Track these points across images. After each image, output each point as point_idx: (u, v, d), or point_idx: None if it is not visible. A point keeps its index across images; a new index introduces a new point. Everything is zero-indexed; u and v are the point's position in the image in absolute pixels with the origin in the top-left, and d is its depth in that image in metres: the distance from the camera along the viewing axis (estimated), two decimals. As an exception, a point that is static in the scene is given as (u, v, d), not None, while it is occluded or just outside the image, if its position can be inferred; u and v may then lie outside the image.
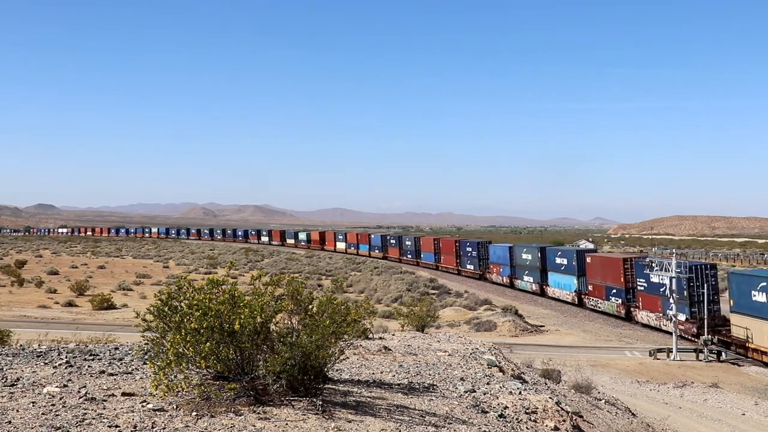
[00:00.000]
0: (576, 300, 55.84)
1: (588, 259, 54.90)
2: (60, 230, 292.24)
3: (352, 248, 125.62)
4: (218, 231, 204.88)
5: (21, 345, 16.59)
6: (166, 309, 9.45)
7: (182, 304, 9.51)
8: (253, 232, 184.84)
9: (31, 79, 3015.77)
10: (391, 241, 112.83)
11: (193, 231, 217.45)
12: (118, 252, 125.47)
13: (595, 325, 48.50)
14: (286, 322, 10.68)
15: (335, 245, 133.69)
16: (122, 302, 53.13)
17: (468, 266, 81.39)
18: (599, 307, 51.62)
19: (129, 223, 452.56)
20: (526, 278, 66.20)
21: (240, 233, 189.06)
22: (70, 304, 52.92)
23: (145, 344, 9.76)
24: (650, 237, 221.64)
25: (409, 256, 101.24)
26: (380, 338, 19.00)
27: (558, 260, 59.68)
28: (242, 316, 9.24)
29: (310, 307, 10.88)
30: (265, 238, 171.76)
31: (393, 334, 21.59)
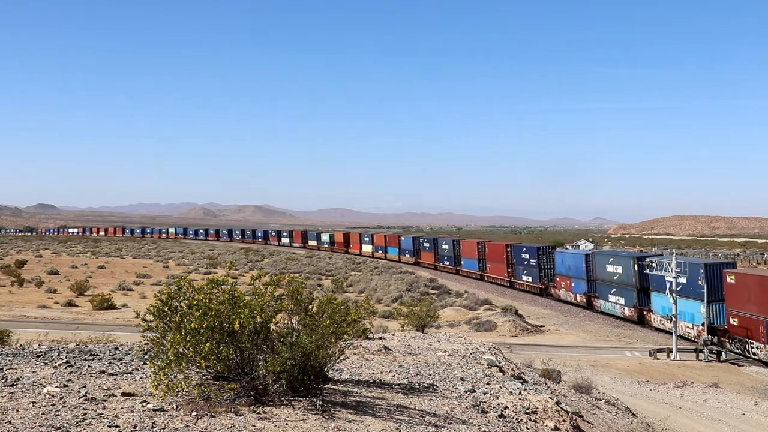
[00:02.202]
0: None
1: (729, 278, 36.80)
2: (70, 230, 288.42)
3: (380, 251, 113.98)
4: (237, 231, 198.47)
5: (21, 345, 16.61)
6: (166, 309, 9.46)
7: (182, 304, 9.51)
8: (273, 233, 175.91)
9: (31, 79, 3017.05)
10: (425, 244, 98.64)
11: (212, 232, 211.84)
12: (118, 252, 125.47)
13: (595, 325, 48.50)
14: (286, 322, 10.68)
15: (361, 248, 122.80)
16: (122, 302, 53.14)
17: (524, 278, 66.99)
18: (755, 353, 34.53)
19: (130, 223, 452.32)
20: (612, 298, 50.30)
21: (260, 234, 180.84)
22: (70, 304, 52.92)
23: (145, 344, 9.76)
24: (650, 237, 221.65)
25: (447, 262, 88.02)
26: (380, 338, 19.02)
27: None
28: (242, 316, 9.25)
29: (310, 307, 10.88)
30: (285, 240, 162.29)
31: (393, 334, 21.60)
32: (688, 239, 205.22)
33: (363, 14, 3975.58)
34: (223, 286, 9.84)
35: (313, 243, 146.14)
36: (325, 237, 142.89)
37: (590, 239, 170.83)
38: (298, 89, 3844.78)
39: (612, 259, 51.44)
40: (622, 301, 49.19)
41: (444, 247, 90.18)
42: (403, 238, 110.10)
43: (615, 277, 50.00)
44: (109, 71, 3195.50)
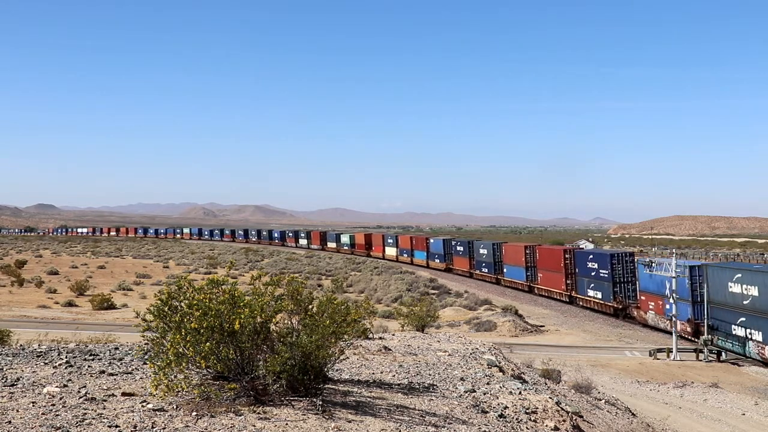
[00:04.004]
0: None
1: None
2: (79, 230, 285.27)
3: (405, 255, 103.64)
4: (253, 232, 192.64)
5: (21, 345, 16.61)
6: (166, 309, 9.46)
7: (182, 304, 9.51)
8: (290, 234, 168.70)
9: (31, 78, 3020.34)
10: (458, 248, 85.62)
11: (227, 232, 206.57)
12: (118, 252, 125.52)
13: (595, 325, 48.50)
14: (286, 322, 10.68)
15: (384, 251, 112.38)
16: (122, 302, 53.17)
17: (590, 293, 53.69)
18: None
19: (129, 222, 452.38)
20: (740, 331, 35.17)
21: (276, 235, 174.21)
22: (70, 304, 52.95)
23: (145, 344, 9.76)
24: (650, 237, 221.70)
25: (485, 269, 76.14)
26: (380, 338, 19.02)
27: None
28: (242, 316, 9.24)
29: (310, 307, 10.88)
30: (303, 241, 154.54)
31: (393, 334, 21.59)
32: (688, 239, 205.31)
33: (363, 14, 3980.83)
34: (223, 286, 9.84)
35: (332, 245, 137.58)
36: (345, 239, 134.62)
37: (590, 239, 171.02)
38: (298, 89, 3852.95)
39: (740, 274, 35.54)
40: (759, 336, 34.09)
41: (481, 251, 77.43)
42: (432, 241, 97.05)
43: (745, 301, 35.04)
44: (108, 71, 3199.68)
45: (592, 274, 53.27)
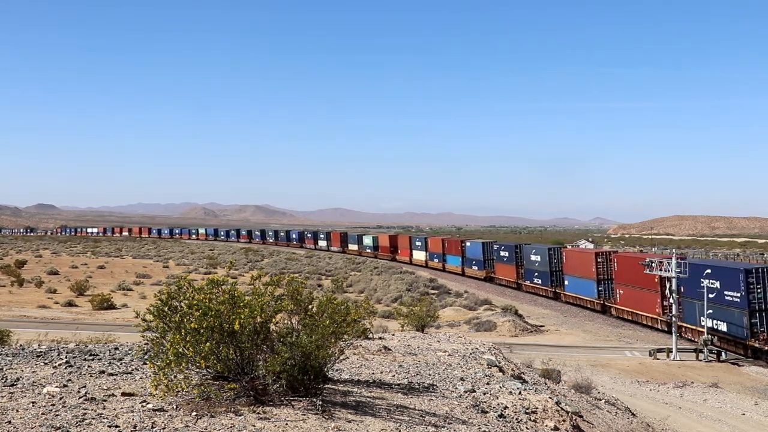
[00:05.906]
0: None
1: None
2: (89, 230, 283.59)
3: (436, 260, 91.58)
4: (270, 233, 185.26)
5: (21, 345, 16.61)
6: (166, 309, 9.47)
7: (182, 304, 9.52)
8: (309, 236, 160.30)
9: (31, 79, 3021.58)
10: (502, 253, 72.49)
11: (244, 233, 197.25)
12: (118, 252, 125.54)
13: (595, 325, 48.50)
14: (286, 322, 10.69)
15: (411, 255, 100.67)
16: (122, 302, 53.19)
17: (704, 321, 37.98)
18: None
19: (129, 222, 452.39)
20: None
21: (294, 236, 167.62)
22: (70, 304, 52.97)
23: (145, 344, 9.78)
24: (650, 237, 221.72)
25: (537, 280, 63.76)
26: (380, 338, 19.02)
27: None
28: (242, 316, 9.26)
29: (310, 307, 10.89)
30: (322, 243, 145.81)
31: (393, 334, 21.60)
32: (688, 239, 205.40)
33: (362, 14, 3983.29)
34: (223, 286, 9.85)
35: (353, 247, 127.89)
36: (367, 241, 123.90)
37: (590, 239, 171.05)
38: (298, 89, 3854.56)
39: None
40: None
41: (533, 258, 64.83)
42: (468, 244, 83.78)
43: None
44: (109, 71, 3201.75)
45: (711, 296, 37.47)
